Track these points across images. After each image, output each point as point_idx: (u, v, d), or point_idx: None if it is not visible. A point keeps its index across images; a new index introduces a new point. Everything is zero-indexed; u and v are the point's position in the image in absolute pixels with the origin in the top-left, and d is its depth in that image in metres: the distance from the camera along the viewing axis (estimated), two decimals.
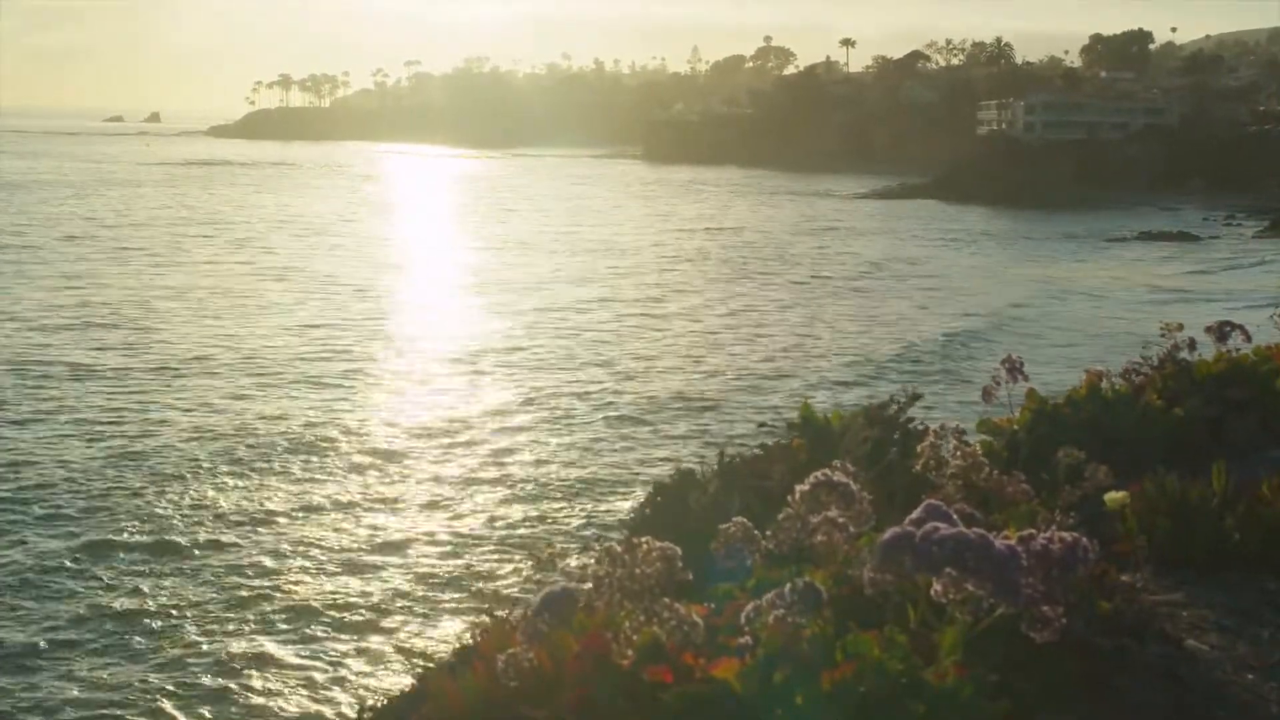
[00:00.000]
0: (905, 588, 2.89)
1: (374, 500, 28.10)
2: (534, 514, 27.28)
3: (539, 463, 31.21)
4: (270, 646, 20.32)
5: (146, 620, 21.21)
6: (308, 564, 24.04)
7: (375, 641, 20.72)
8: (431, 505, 27.90)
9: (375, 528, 26.25)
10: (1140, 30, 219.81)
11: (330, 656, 20.11)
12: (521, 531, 25.95)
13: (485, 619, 4.25)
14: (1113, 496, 4.42)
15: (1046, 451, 4.89)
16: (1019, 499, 3.99)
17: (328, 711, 18.29)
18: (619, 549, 2.96)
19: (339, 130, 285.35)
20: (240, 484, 28.91)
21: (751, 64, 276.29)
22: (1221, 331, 6.79)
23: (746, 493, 4.98)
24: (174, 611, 21.59)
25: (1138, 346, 7.21)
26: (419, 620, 21.58)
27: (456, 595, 22.63)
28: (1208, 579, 4.37)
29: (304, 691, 18.94)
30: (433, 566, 24.16)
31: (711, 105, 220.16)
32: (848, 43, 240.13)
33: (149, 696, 18.66)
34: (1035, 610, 2.78)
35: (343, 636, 20.84)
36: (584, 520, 26.42)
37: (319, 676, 19.42)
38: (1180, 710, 3.37)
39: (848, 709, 2.66)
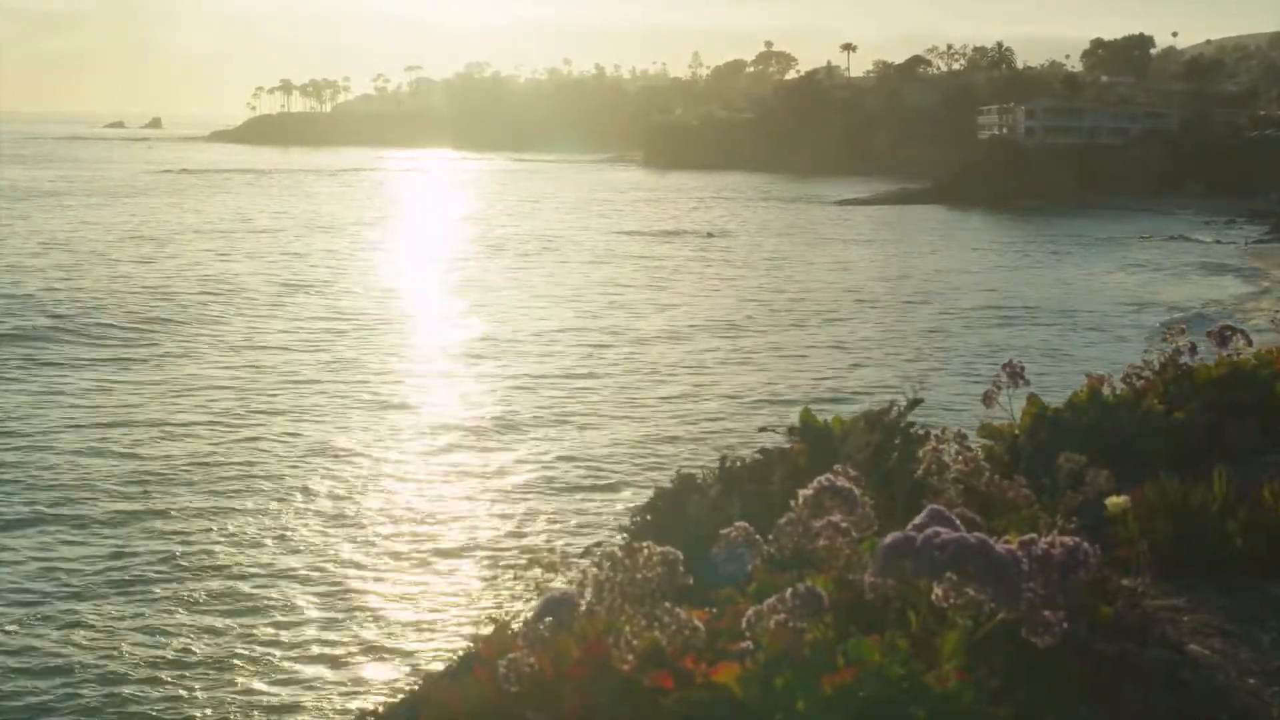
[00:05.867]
0: (907, 592, 2.89)
1: (373, 506, 28.09)
2: (535, 519, 27.27)
3: (539, 468, 31.20)
4: (269, 652, 20.31)
5: (151, 621, 21.21)
6: (308, 569, 24.03)
7: (376, 647, 20.70)
8: (431, 510, 27.89)
9: (375, 533, 26.24)
10: (1141, 35, 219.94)
11: (330, 661, 20.10)
12: (522, 537, 25.94)
13: (486, 624, 4.25)
14: (1114, 501, 4.41)
15: (1048, 456, 4.89)
16: (1020, 504, 3.99)
17: (327, 717, 18.28)
18: (620, 553, 2.96)
19: (340, 135, 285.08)
20: (240, 489, 28.91)
21: (752, 69, 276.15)
22: (1222, 336, 6.78)
23: (747, 497, 4.98)
24: (172, 615, 21.59)
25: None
26: (420, 625, 21.57)
27: (457, 600, 22.63)
28: (1209, 583, 4.36)
29: (304, 697, 18.93)
30: (433, 571, 24.15)
31: (712, 110, 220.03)
32: (848, 47, 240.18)
33: (143, 688, 18.66)
34: (1036, 615, 2.78)
35: (343, 642, 20.83)
36: (585, 525, 26.41)
37: (319, 681, 19.40)
38: (1182, 715, 3.37)
39: (849, 714, 2.66)
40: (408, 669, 19.22)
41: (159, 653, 20.14)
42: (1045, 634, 2.78)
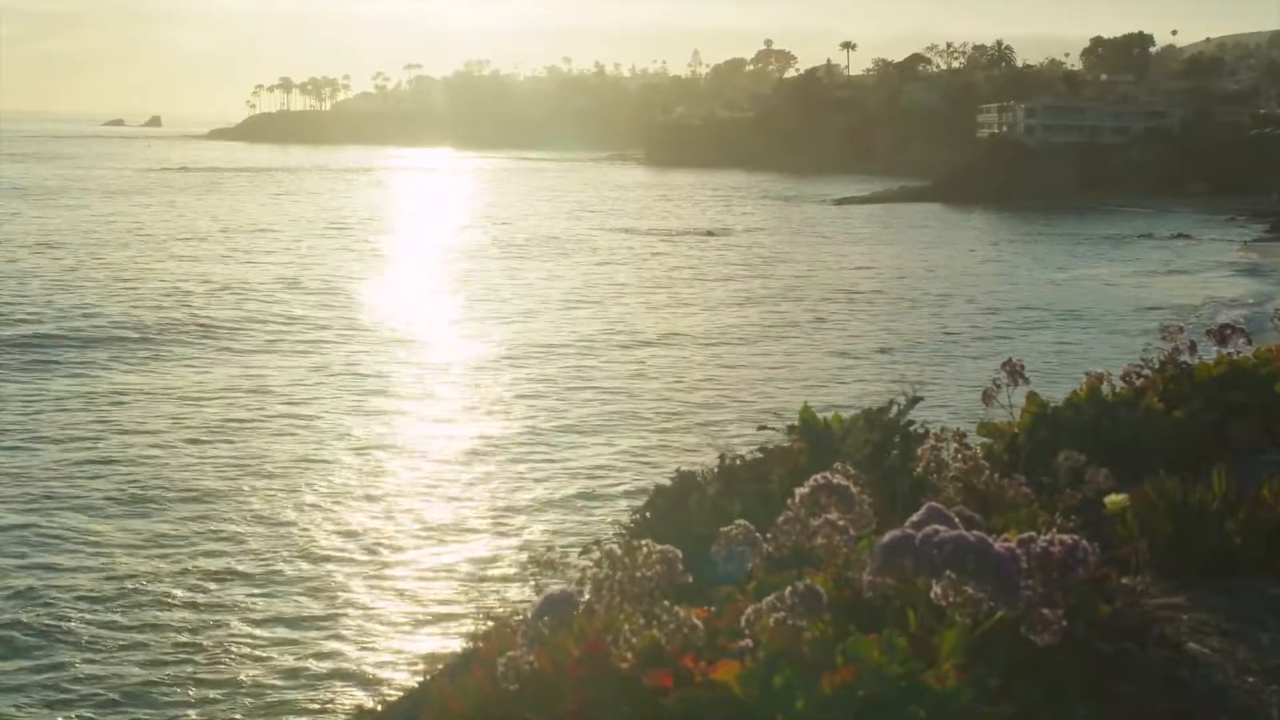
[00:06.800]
0: (905, 591, 2.89)
1: (374, 504, 28.08)
2: (534, 516, 27.26)
3: (537, 466, 31.19)
4: (269, 650, 20.30)
5: (149, 617, 21.21)
6: (306, 568, 24.03)
7: (375, 645, 20.70)
8: (430, 508, 27.88)
9: (372, 532, 26.23)
10: (1140, 33, 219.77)
11: (330, 659, 20.10)
12: (522, 534, 25.94)
13: (486, 622, 4.25)
14: (1113, 499, 4.42)
15: (1047, 454, 4.89)
16: (1019, 502, 3.99)
17: (327, 716, 18.28)
18: (619, 552, 2.96)
19: (339, 134, 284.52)
20: (238, 490, 28.91)
21: (752, 67, 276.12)
22: (1222, 334, 6.78)
23: (747, 496, 4.98)
24: (170, 613, 21.60)
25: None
26: (419, 623, 21.57)
27: (456, 598, 22.62)
28: (1208, 582, 4.36)
29: (303, 695, 18.93)
30: (432, 570, 24.15)
31: (713, 109, 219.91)
32: (848, 46, 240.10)
33: (146, 689, 18.67)
34: (1035, 613, 2.78)
35: (342, 640, 20.83)
36: (584, 523, 26.41)
37: (318, 679, 19.40)
38: (1181, 714, 3.37)
39: (848, 712, 2.66)
40: (407, 667, 19.22)
41: (156, 649, 20.14)
42: (1044, 632, 2.78)
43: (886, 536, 2.81)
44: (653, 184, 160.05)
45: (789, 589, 2.79)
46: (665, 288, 66.50)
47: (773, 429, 5.92)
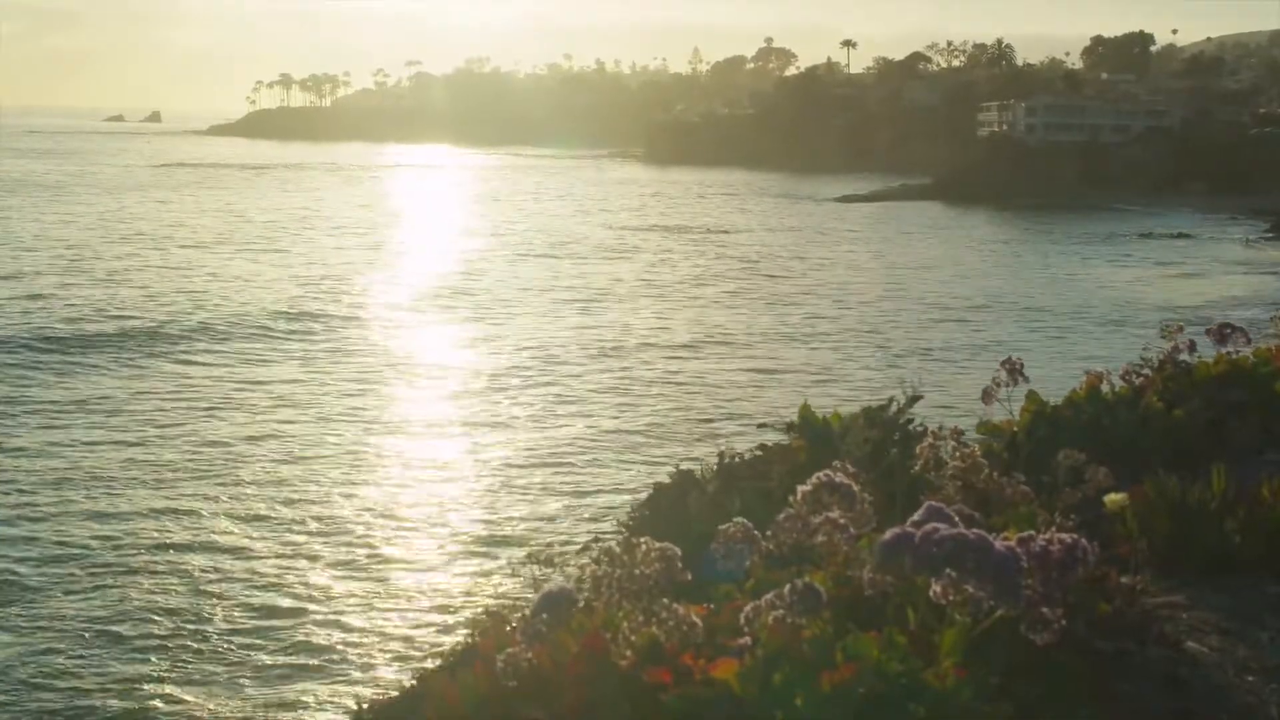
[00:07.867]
0: (905, 589, 2.89)
1: (372, 501, 28.08)
2: (533, 514, 27.26)
3: (537, 464, 31.18)
4: (267, 647, 20.31)
5: (146, 613, 21.22)
6: (307, 566, 24.03)
7: (375, 642, 20.71)
8: (429, 506, 27.89)
9: (373, 530, 26.24)
10: (1141, 32, 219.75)
11: (329, 657, 20.10)
12: (521, 531, 25.94)
13: (485, 619, 4.25)
14: (1113, 498, 4.42)
15: (1046, 453, 4.89)
16: (1019, 500, 3.99)
17: (327, 713, 18.28)
18: (618, 549, 2.96)
19: (339, 130, 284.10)
20: (236, 488, 28.92)
21: (752, 65, 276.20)
22: (1221, 334, 6.78)
23: (746, 493, 4.98)
24: (166, 610, 21.60)
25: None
26: (418, 620, 21.57)
27: (456, 595, 22.63)
28: (1208, 581, 4.36)
29: (303, 692, 18.93)
30: (431, 567, 24.15)
31: (713, 107, 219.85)
32: (849, 44, 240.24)
33: (145, 679, 18.68)
34: (1035, 612, 2.78)
35: (342, 637, 20.82)
36: (583, 521, 26.41)
37: (317, 677, 19.40)
38: (1181, 713, 3.37)
39: (848, 710, 2.66)
40: (406, 664, 19.21)
41: (154, 645, 20.14)
42: (1044, 631, 2.78)
43: (887, 534, 2.81)
44: (653, 181, 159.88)
45: (788, 587, 2.79)
46: (665, 286, 66.46)
47: (772, 427, 5.92)
